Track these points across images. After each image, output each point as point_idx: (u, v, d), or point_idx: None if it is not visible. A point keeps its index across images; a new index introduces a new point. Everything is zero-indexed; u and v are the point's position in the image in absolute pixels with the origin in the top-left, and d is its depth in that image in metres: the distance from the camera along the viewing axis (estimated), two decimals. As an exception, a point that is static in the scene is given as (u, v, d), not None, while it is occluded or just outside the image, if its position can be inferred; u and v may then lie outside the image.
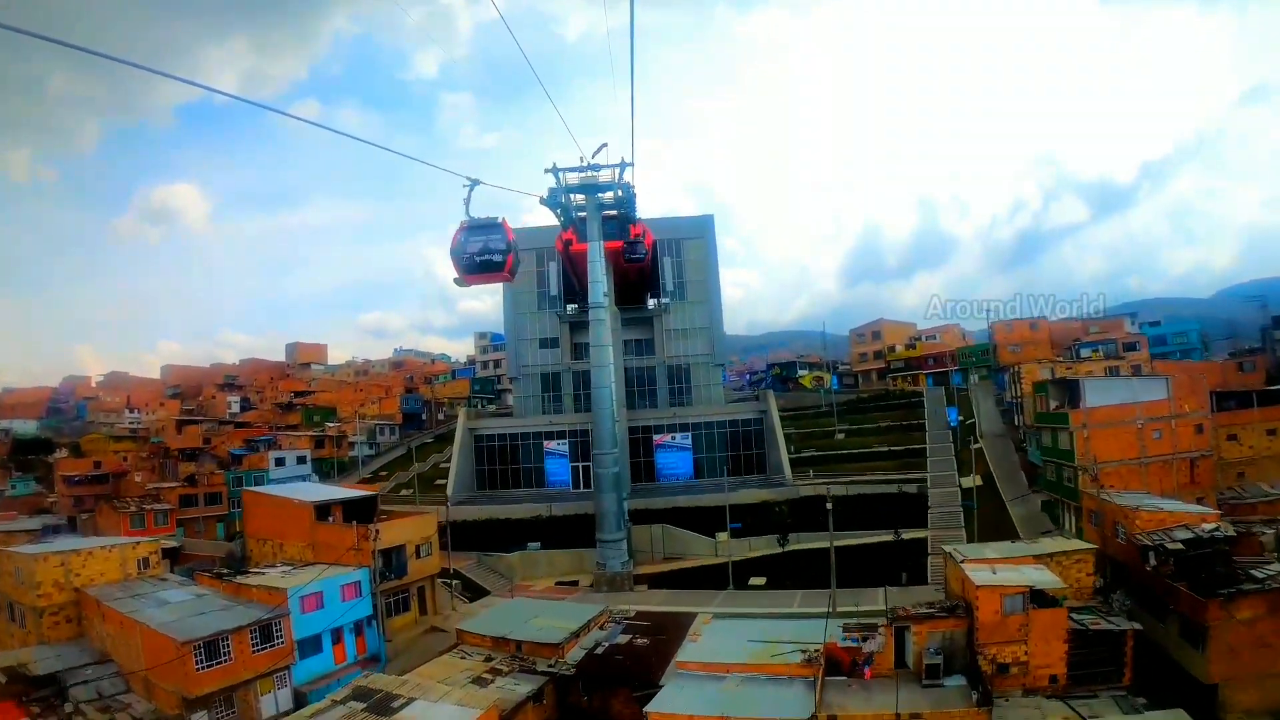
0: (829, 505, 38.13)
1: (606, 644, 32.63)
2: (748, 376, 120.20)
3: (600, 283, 45.97)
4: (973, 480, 49.51)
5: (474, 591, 45.01)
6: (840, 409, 72.47)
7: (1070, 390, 43.51)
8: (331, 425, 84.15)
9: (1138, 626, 28.61)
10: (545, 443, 62.88)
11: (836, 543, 44.08)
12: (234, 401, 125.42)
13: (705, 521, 49.63)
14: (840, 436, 66.12)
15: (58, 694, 32.10)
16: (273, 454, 68.40)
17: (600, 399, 45.17)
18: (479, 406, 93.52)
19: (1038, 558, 30.10)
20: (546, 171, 42.80)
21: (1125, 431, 41.55)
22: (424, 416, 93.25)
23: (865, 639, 27.54)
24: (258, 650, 31.94)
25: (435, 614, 41.06)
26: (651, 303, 69.83)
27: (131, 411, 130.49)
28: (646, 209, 54.16)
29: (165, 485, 65.25)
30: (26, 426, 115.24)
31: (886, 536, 45.62)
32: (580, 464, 60.64)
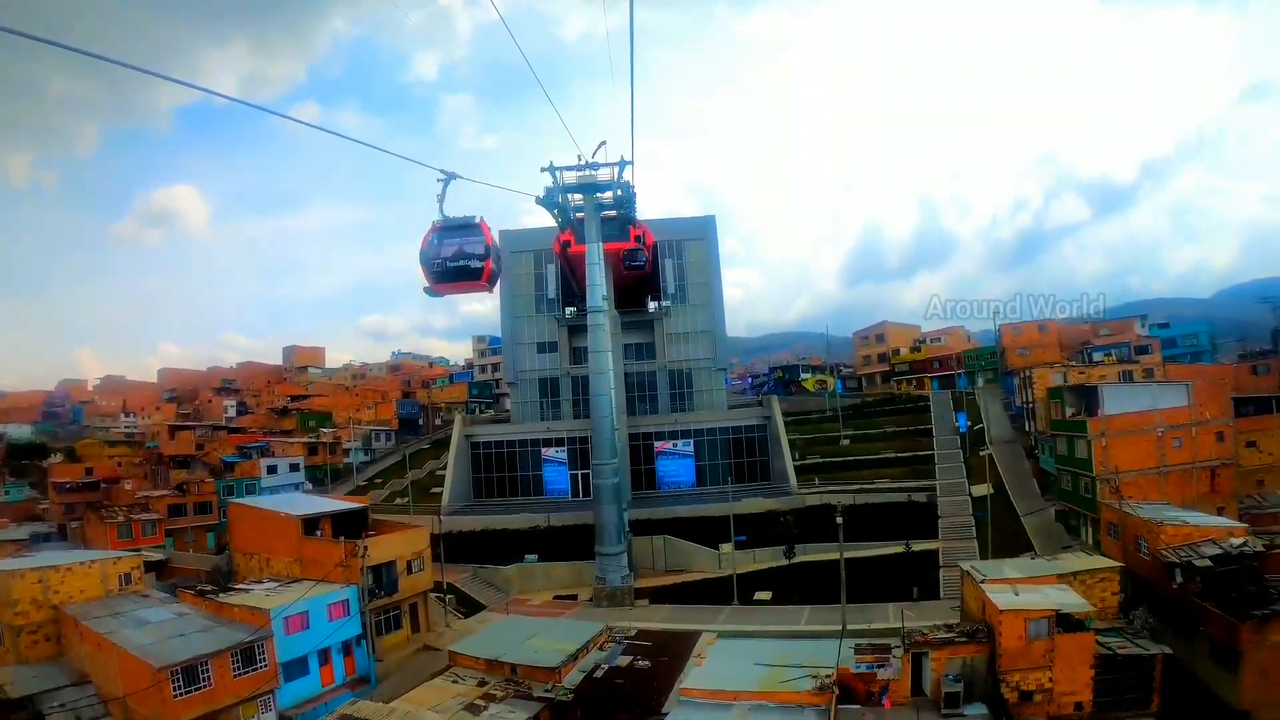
0: (840, 520, 36.57)
1: (606, 666, 31.11)
2: (749, 380, 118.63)
3: (599, 286, 44.45)
4: (986, 489, 47.94)
5: (469, 606, 43.44)
6: (845, 414, 70.93)
7: (1087, 397, 41.97)
8: (327, 431, 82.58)
9: (1167, 650, 27.12)
10: (543, 450, 61.31)
11: (845, 554, 42.63)
12: (230, 406, 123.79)
13: (708, 532, 48.06)
14: (845, 442, 64.56)
15: (33, 717, 30.68)
16: (265, 461, 66.85)
17: (599, 406, 43.62)
18: (477, 411, 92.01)
19: (1061, 577, 28.57)
20: (543, 170, 41.29)
21: (1145, 440, 40.03)
22: (421, 422, 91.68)
23: (880, 665, 25.99)
24: (239, 674, 30.42)
25: (428, 631, 39.52)
26: (652, 306, 68.27)
27: (127, 415, 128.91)
28: (646, 210, 52.88)
29: (154, 494, 63.68)
30: (21, 431, 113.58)
31: (896, 548, 44.07)
32: (579, 472, 59.09)
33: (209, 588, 37.57)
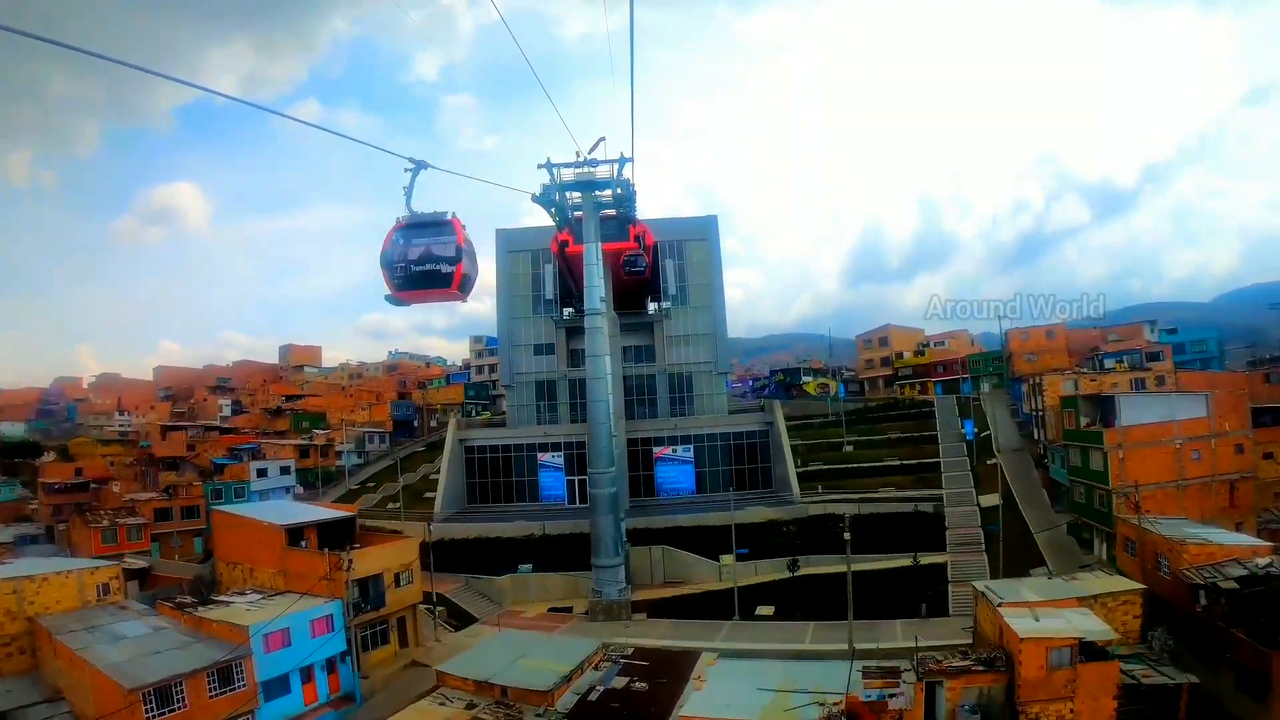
0: (847, 536, 35.01)
1: (601, 688, 29.59)
2: (750, 383, 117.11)
3: (596, 288, 42.94)
4: (997, 501, 46.57)
5: (460, 619, 41.96)
6: (848, 418, 69.41)
7: (1103, 407, 40.53)
8: (320, 432, 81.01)
9: (1193, 679, 25.68)
10: (539, 455, 59.80)
11: (850, 567, 41.16)
12: (225, 405, 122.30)
13: (708, 542, 46.56)
14: (849, 448, 63.04)
15: (4, 735, 29.33)
16: (254, 464, 65.33)
17: (596, 413, 42.12)
18: (473, 413, 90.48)
19: (1081, 600, 27.08)
20: (540, 167, 39.72)
21: (1162, 452, 38.60)
22: (416, 423, 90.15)
23: (891, 695, 24.52)
24: (216, 695, 29.02)
25: (417, 646, 38.04)
26: (652, 307, 66.71)
27: (122, 414, 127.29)
28: (646, 210, 51.52)
29: (140, 497, 62.16)
30: (14, 429, 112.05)
31: (903, 561, 42.58)
32: (576, 477, 57.58)
33: (189, 600, 36.10)
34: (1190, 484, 39.21)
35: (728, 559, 44.19)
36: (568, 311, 64.35)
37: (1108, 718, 24.05)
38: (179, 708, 27.85)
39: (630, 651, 33.16)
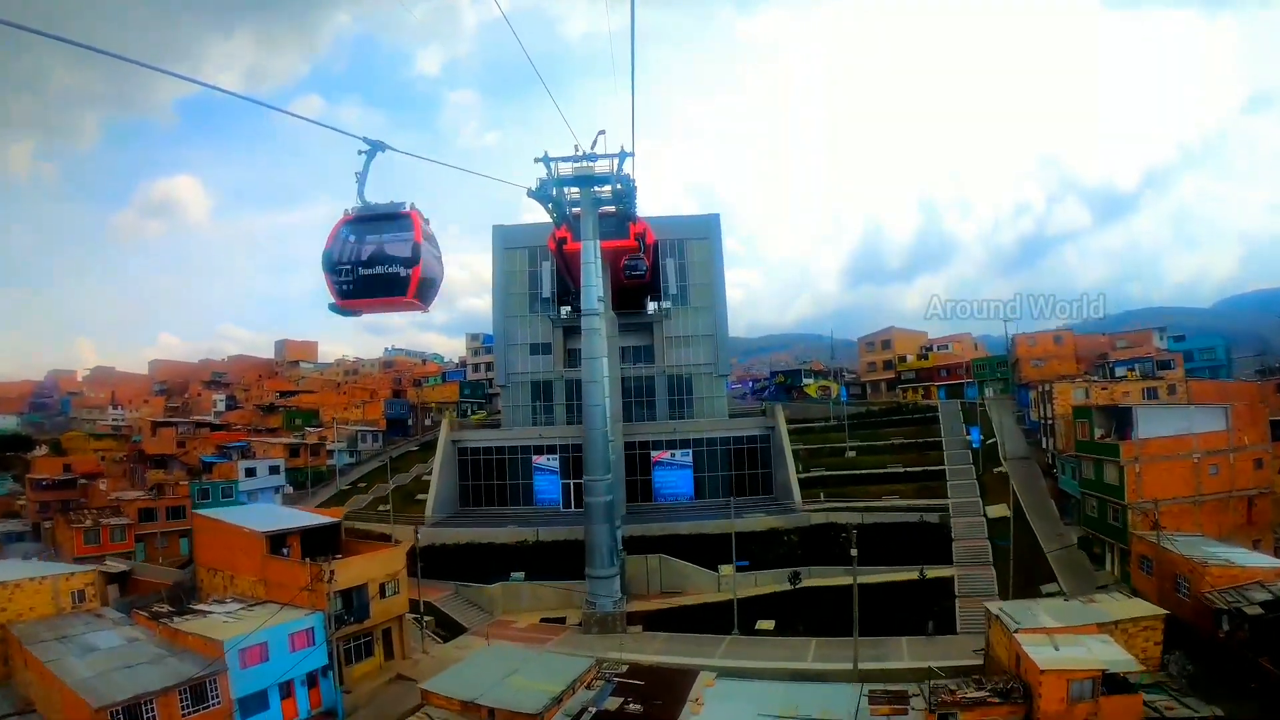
0: (854, 553, 33.54)
1: (594, 709, 28.11)
2: (750, 383, 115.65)
3: (594, 287, 41.42)
4: (1005, 512, 45.15)
5: (449, 629, 40.51)
6: (850, 423, 67.95)
7: (1118, 418, 39.12)
8: (312, 430, 79.52)
9: (1219, 713, 24.25)
10: (534, 457, 58.32)
11: (850, 580, 39.75)
12: (220, 400, 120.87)
13: (707, 550, 45.10)
14: (851, 454, 61.58)
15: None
16: (243, 463, 63.81)
17: (592, 418, 40.62)
18: (469, 412, 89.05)
19: (1101, 626, 25.65)
20: (537, 161, 38.15)
21: (1180, 466, 37.20)
22: (410, 422, 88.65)
23: (900, 724, 23.12)
24: (188, 713, 27.68)
25: (403, 658, 36.59)
26: (651, 307, 65.10)
27: (115, 408, 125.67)
28: (645, 209, 49.76)
29: (126, 497, 60.68)
30: (6, 421, 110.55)
31: (909, 574, 41.11)
32: (572, 481, 56.11)
33: (165, 610, 34.63)
34: (1208, 500, 37.85)
35: (727, 569, 42.76)
36: (566, 310, 62.81)
37: (1130, 753, 22.72)
38: (148, 727, 26.45)
39: (625, 669, 31.71)
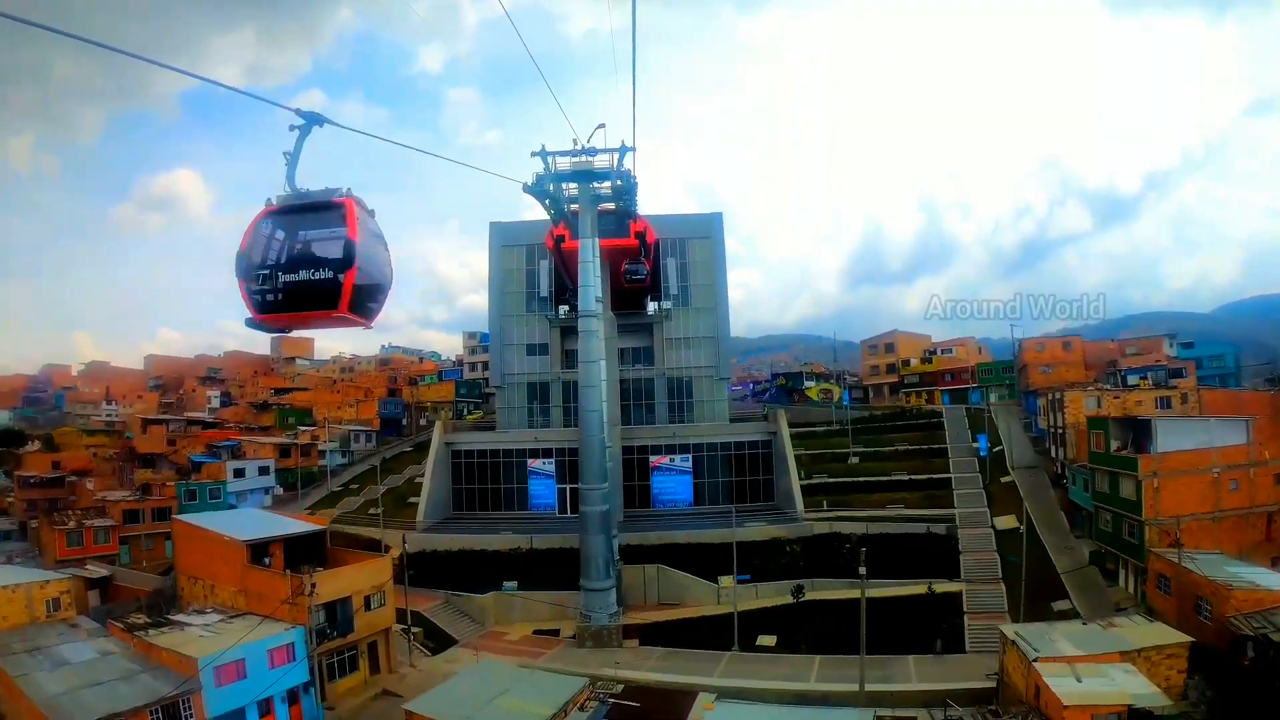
0: (863, 571, 32.07)
1: (587, 734, 26.82)
2: (750, 385, 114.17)
3: (592, 287, 39.95)
4: (1014, 524, 43.78)
5: (438, 640, 39.08)
6: (853, 428, 66.43)
7: (1135, 430, 37.72)
8: (305, 430, 78.01)
9: (1250, 747, 22.92)
10: (530, 461, 56.87)
11: (855, 594, 38.20)
12: (214, 396, 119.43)
13: (706, 560, 43.69)
14: (854, 460, 60.04)
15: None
16: (231, 464, 62.36)
17: (589, 424, 39.18)
18: (465, 412, 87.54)
19: (1124, 654, 24.26)
20: (533, 155, 36.63)
21: (1199, 481, 35.76)
22: (405, 422, 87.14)
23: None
24: (159, 735, 26.17)
25: (390, 672, 35.18)
26: (651, 307, 63.56)
27: (109, 404, 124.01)
28: (646, 209, 48.35)
29: (111, 497, 59.23)
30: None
31: (916, 588, 39.65)
32: (568, 486, 54.72)
33: (141, 621, 33.20)
34: (1227, 516, 36.42)
35: (727, 581, 41.38)
36: (564, 310, 61.31)
37: (1156, 792, 21.35)
38: (116, 750, 25.05)
39: (620, 689, 30.36)
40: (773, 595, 41.34)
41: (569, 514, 52.82)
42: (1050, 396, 51.98)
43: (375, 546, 46.62)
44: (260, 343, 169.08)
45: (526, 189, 34.85)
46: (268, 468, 64.01)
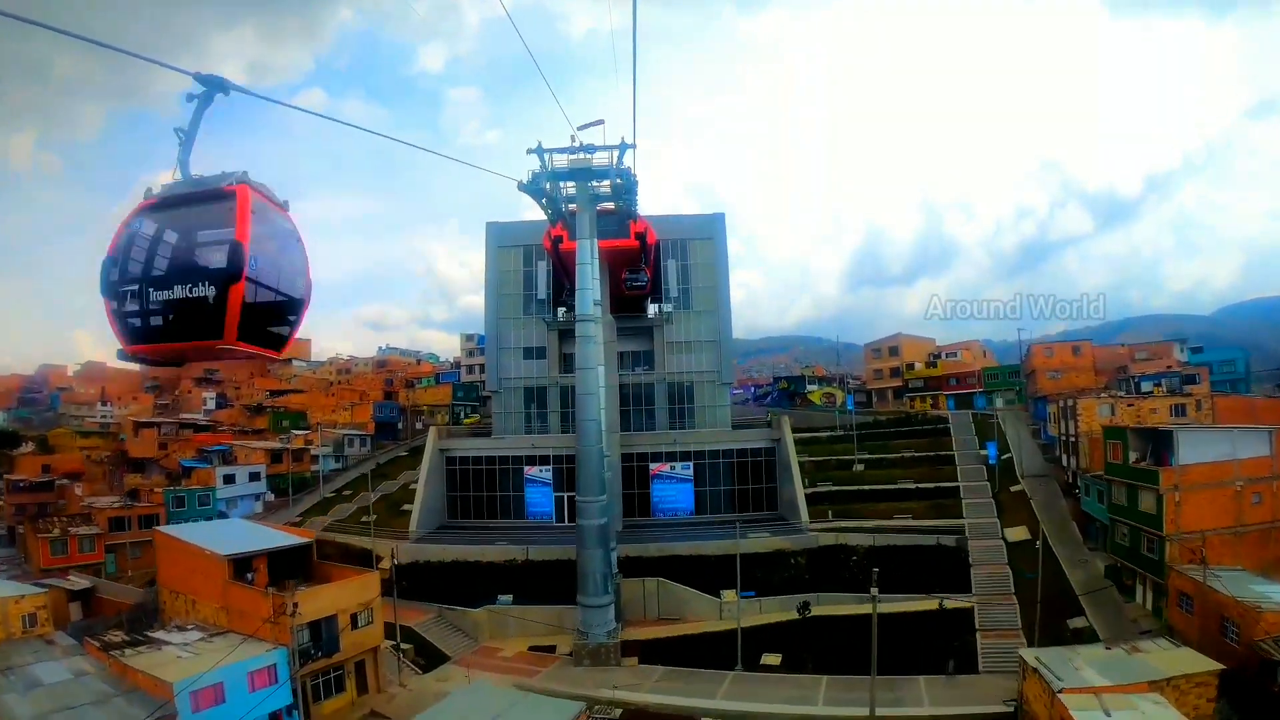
0: (875, 592, 30.60)
1: (583, 764, 25.43)
2: (751, 389, 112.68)
3: (590, 290, 38.54)
4: (1025, 535, 42.45)
5: (430, 657, 37.63)
6: (857, 433, 65.00)
7: (1154, 441, 36.32)
8: (299, 433, 76.56)
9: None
10: (526, 468, 55.42)
11: (863, 609, 36.83)
12: (209, 398, 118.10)
13: (707, 573, 42.24)
14: (859, 468, 58.62)
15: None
16: (221, 470, 60.93)
17: (586, 434, 37.75)
18: (462, 415, 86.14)
19: (1152, 684, 22.85)
20: (529, 152, 35.18)
21: (1222, 495, 34.37)
22: (400, 425, 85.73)
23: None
24: (131, 764, 24.78)
25: (379, 692, 33.73)
26: (652, 310, 62.13)
27: (104, 405, 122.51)
28: (645, 210, 46.96)
29: (97, 504, 57.80)
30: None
31: (926, 604, 38.07)
32: (565, 494, 53.29)
33: (118, 639, 31.80)
34: (1249, 530, 35.01)
35: (729, 595, 39.99)
36: (563, 312, 59.90)
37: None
38: (84, 781, 23.67)
39: (619, 714, 29.01)
40: (777, 610, 39.91)
41: (567, 523, 51.40)
42: (1062, 403, 50.57)
43: (366, 557, 45.26)
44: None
45: (521, 187, 33.45)
46: (259, 473, 62.60)
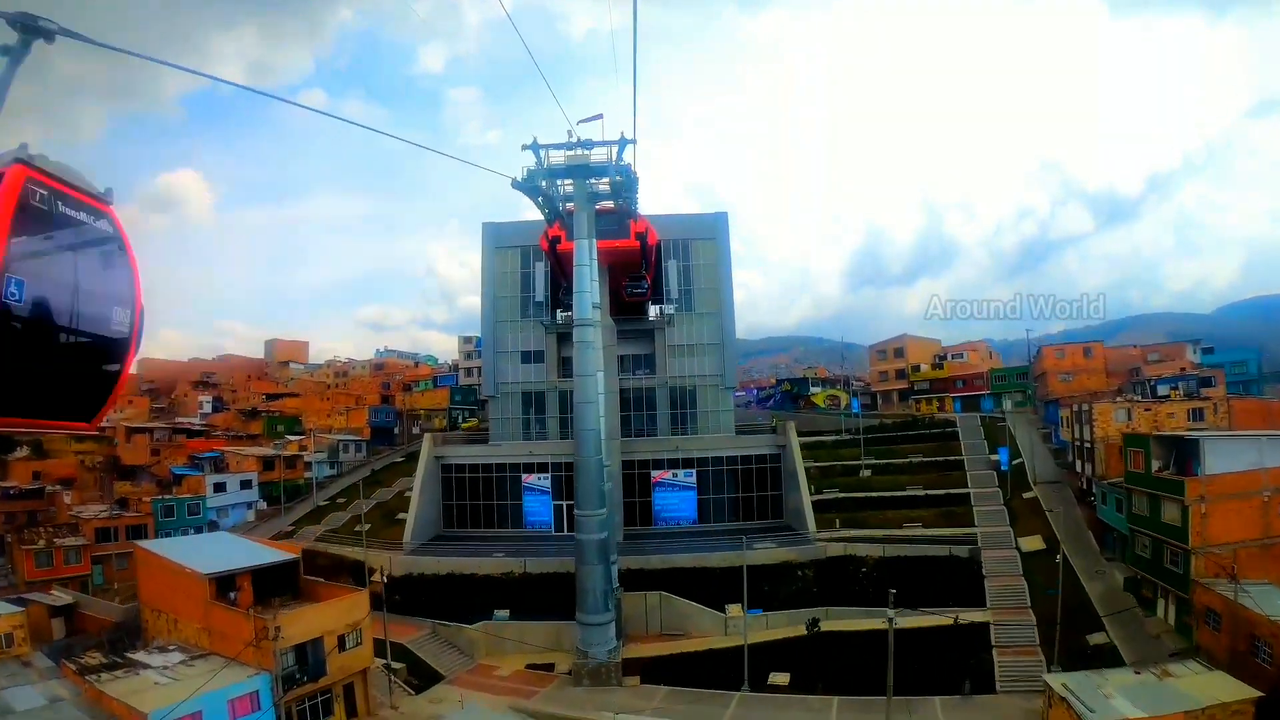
0: (892, 614, 29.11)
1: (582, 798, 23.98)
2: (754, 391, 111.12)
3: (588, 293, 37.00)
4: (1040, 545, 40.98)
5: (423, 676, 36.14)
6: (864, 438, 63.47)
7: (1178, 449, 34.83)
8: (293, 439, 75.09)
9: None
10: (524, 476, 53.91)
11: (874, 625, 35.48)
12: (206, 401, 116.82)
13: (711, 586, 40.75)
14: (866, 473, 57.09)
15: None
16: (211, 478, 59.48)
17: (585, 444, 36.24)
18: (460, 419, 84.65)
19: (1188, 714, 21.39)
20: (524, 148, 33.65)
21: (1249, 506, 32.89)
22: (396, 430, 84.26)
23: None
24: (101, 800, 23.35)
25: (369, 715, 32.28)
26: (653, 312, 60.48)
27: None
28: (647, 209, 45.55)
29: (84, 514, 56.34)
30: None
31: (939, 619, 36.69)
32: (564, 502, 51.73)
33: (96, 662, 30.37)
34: (1277, 542, 33.48)
35: (735, 610, 38.50)
36: (561, 315, 58.32)
37: None
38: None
39: (619, 741, 27.51)
40: (784, 625, 38.44)
41: (566, 532, 49.79)
42: (1076, 407, 49.05)
43: (359, 569, 43.81)
44: (255, 346, 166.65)
45: (515, 185, 31.92)
46: (250, 481, 61.15)
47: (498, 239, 59.46)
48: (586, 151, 33.51)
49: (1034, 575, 40.52)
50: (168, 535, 53.82)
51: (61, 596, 42.93)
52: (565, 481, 51.18)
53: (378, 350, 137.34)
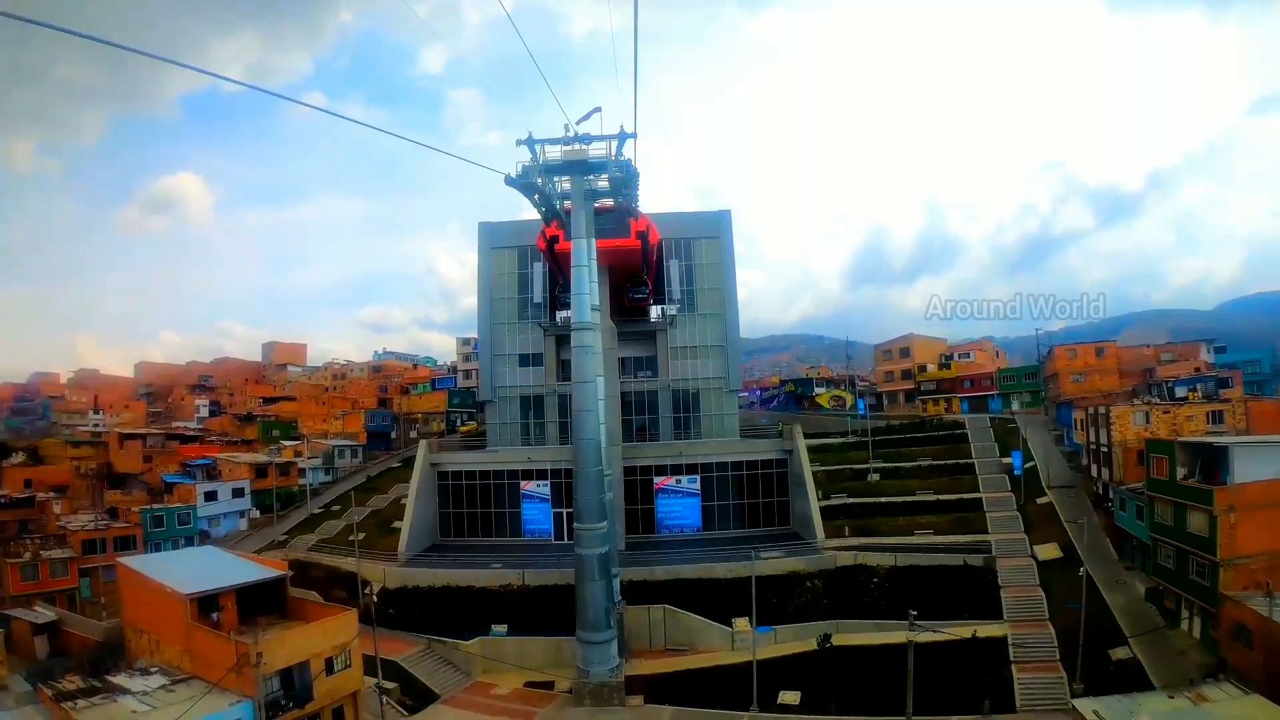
0: (912, 637, 27.58)
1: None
2: (758, 392, 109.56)
3: (587, 295, 35.54)
4: (1056, 553, 39.49)
5: (417, 696, 34.68)
6: (871, 440, 61.90)
7: (1203, 456, 33.32)
8: (288, 444, 73.67)
9: None
10: (523, 483, 52.47)
11: (888, 639, 34.12)
12: (203, 405, 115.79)
13: (717, 599, 39.35)
14: (874, 478, 55.62)
15: None
16: (202, 486, 58.03)
17: (585, 452, 34.77)
18: (458, 422, 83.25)
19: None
20: (519, 144, 32.16)
21: (1277, 515, 31.30)
22: (394, 435, 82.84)
23: None
24: (70, 841, 21.92)
25: (360, 738, 30.84)
26: (655, 313, 59.03)
27: (97, 413, 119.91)
28: (648, 208, 44.04)
29: (71, 524, 54.88)
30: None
31: (955, 633, 35.09)
32: (564, 510, 50.39)
33: (73, 687, 28.92)
34: (1307, 552, 31.95)
35: (741, 624, 37.06)
36: (561, 317, 56.88)
37: None
38: None
39: (622, 770, 26.05)
40: (793, 640, 37.00)
41: (566, 540, 48.40)
42: (1091, 410, 47.51)
43: (352, 581, 42.42)
44: (255, 347, 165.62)
45: (509, 182, 30.41)
46: (242, 489, 59.73)
47: (494, 239, 58.01)
48: (584, 146, 32.00)
49: (1052, 585, 39.08)
50: (157, 546, 52.51)
51: (45, 613, 41.49)
52: (565, 488, 49.76)
53: (377, 352, 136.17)
